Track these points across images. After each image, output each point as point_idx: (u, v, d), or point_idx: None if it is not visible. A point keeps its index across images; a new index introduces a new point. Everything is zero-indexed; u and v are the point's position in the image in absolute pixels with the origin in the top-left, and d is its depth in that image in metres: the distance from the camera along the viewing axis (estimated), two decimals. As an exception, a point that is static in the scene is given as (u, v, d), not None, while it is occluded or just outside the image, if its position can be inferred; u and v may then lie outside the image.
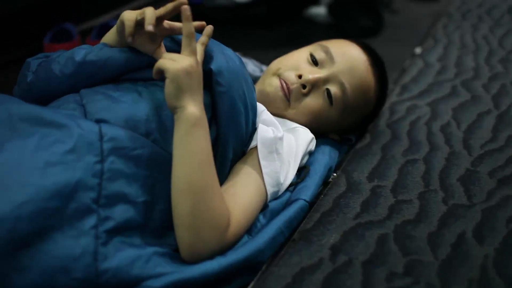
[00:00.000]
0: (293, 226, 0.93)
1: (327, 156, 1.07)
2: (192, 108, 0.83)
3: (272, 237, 0.87)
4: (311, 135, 1.05)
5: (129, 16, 0.89)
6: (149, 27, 0.85)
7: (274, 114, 1.02)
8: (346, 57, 1.08)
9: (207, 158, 0.84)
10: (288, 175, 0.98)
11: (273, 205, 0.95)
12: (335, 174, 1.09)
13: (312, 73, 1.05)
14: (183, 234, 0.80)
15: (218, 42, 0.96)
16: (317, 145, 1.09)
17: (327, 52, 1.08)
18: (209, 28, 0.92)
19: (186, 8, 0.85)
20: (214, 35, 0.99)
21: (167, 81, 0.83)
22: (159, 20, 0.89)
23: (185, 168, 0.81)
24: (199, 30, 0.93)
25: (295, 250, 0.89)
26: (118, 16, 0.94)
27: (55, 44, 1.56)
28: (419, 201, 1.00)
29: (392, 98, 1.41)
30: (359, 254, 0.88)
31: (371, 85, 1.11)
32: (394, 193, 1.03)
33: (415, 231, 0.93)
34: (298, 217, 0.94)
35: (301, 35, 1.88)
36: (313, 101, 1.06)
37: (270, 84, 1.07)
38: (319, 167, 1.04)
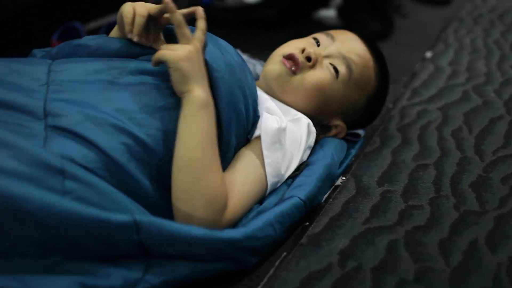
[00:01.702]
0: (285, 222, 0.91)
1: (328, 158, 1.05)
2: (198, 91, 0.86)
3: (260, 227, 0.86)
4: (313, 129, 1.05)
5: (127, 13, 0.92)
6: (135, 38, 0.91)
7: (279, 97, 1.05)
8: (345, 38, 1.13)
9: (210, 138, 0.86)
10: (290, 167, 0.99)
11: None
12: (344, 178, 1.07)
13: (315, 49, 1.08)
14: (179, 208, 0.82)
15: (212, 35, 0.98)
16: (320, 146, 1.08)
17: (327, 34, 1.13)
18: (199, 10, 0.93)
19: (167, 1, 0.88)
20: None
21: (171, 70, 0.86)
22: (152, 16, 0.92)
23: (188, 146, 0.84)
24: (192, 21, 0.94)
25: (303, 254, 0.87)
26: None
27: (63, 42, 1.54)
28: (430, 206, 0.98)
29: (402, 102, 1.39)
30: (369, 260, 0.86)
31: (370, 63, 1.13)
32: (405, 198, 1.01)
33: (426, 237, 0.91)
34: (290, 214, 0.92)
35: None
36: (319, 73, 1.07)
37: (273, 64, 1.08)
38: (318, 168, 1.01)
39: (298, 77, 1.06)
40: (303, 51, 1.06)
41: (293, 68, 1.06)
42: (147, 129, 0.84)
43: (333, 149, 1.09)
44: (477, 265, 0.85)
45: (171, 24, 0.92)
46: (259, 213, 0.91)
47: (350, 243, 0.89)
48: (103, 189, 0.77)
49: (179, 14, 0.89)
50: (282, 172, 0.97)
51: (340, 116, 1.13)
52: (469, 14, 2.08)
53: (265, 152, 0.94)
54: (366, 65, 1.12)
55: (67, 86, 0.86)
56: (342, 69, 1.08)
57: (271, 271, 0.84)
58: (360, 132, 1.20)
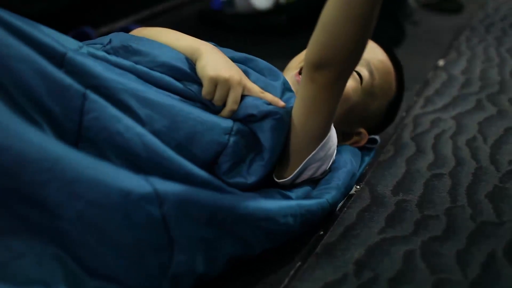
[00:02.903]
0: (307, 218, 0.89)
1: (349, 164, 1.03)
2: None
3: (282, 206, 0.85)
4: (335, 139, 1.03)
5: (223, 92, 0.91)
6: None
7: None
8: (368, 48, 1.09)
9: None
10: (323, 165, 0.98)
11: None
12: (358, 187, 1.06)
13: None
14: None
15: None
16: (338, 152, 1.06)
17: None
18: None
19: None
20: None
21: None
22: None
23: None
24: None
25: (318, 264, 0.85)
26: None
27: None
28: (446, 217, 0.97)
29: (415, 110, 1.37)
30: (385, 271, 0.84)
31: (391, 69, 1.13)
32: (420, 208, 0.99)
33: (443, 248, 0.89)
34: (314, 212, 0.90)
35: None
36: None
37: (293, 77, 1.06)
38: (341, 173, 1.00)
39: None
40: None
41: None
42: None
43: (351, 156, 1.07)
44: (496, 277, 0.83)
45: None
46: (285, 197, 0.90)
47: (366, 253, 0.88)
48: None
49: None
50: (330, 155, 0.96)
51: (361, 123, 1.12)
52: (481, 23, 2.07)
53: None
54: (387, 70, 1.12)
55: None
56: (365, 75, 1.07)
57: (286, 281, 0.83)
58: (377, 137, 1.18)
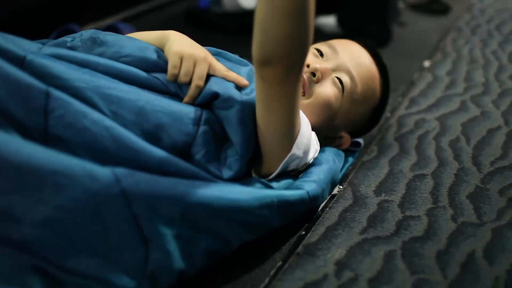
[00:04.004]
0: (285, 209, 0.89)
1: (331, 161, 1.04)
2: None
3: (259, 197, 0.84)
4: (317, 146, 1.03)
5: (187, 70, 0.91)
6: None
7: None
8: (349, 49, 1.11)
9: None
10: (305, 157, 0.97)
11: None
12: (341, 187, 1.06)
13: (319, 63, 1.06)
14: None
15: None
16: (321, 152, 1.06)
17: (330, 46, 1.10)
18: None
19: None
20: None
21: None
22: None
23: None
24: None
25: (299, 264, 0.86)
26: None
27: None
28: (427, 217, 0.97)
29: (400, 111, 1.38)
30: (365, 271, 0.85)
31: (375, 74, 1.11)
32: (402, 209, 1.00)
33: (423, 248, 0.90)
34: (293, 203, 0.90)
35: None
36: (326, 89, 1.05)
37: None
38: (322, 169, 1.00)
39: (306, 93, 1.04)
40: (307, 65, 1.04)
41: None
42: None
43: (334, 155, 1.07)
44: (475, 278, 0.84)
45: None
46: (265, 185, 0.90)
47: (347, 253, 0.88)
48: None
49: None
50: (301, 154, 0.94)
51: (345, 128, 1.12)
52: (467, 24, 2.08)
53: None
54: (371, 76, 1.10)
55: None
56: (347, 82, 1.06)
57: (266, 281, 0.83)
58: (360, 140, 1.19)
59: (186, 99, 0.90)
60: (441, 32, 2.02)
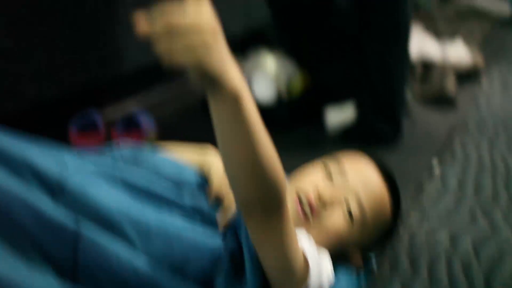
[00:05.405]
0: None
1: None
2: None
3: None
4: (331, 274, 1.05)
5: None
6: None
7: None
8: (359, 170, 1.11)
9: None
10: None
11: None
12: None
13: (329, 191, 1.07)
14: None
15: None
16: (335, 277, 1.08)
17: (339, 163, 1.11)
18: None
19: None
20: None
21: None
22: None
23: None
24: None
25: None
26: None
27: (82, 133, 1.63)
28: None
29: (411, 225, 1.40)
30: None
31: (384, 195, 1.11)
32: None
33: None
34: None
35: (318, 139, 1.91)
36: (334, 219, 1.06)
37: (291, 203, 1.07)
38: None
39: (312, 223, 1.05)
40: (318, 195, 1.05)
41: (307, 214, 1.05)
42: None
43: (347, 278, 1.09)
44: None
45: None
46: None
47: None
48: None
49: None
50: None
51: (355, 248, 1.13)
52: (474, 120, 2.12)
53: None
54: (381, 201, 1.11)
55: None
56: (356, 211, 1.06)
57: None
58: (372, 256, 1.20)
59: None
60: (448, 128, 2.05)
